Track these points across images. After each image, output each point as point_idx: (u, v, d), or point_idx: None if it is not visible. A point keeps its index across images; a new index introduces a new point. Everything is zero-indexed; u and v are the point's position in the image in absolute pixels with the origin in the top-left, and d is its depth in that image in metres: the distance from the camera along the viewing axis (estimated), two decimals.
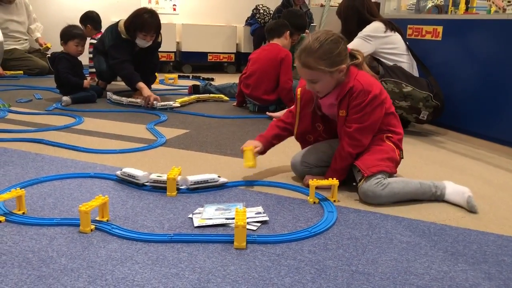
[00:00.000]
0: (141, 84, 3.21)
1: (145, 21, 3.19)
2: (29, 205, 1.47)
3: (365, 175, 1.60)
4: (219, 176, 1.70)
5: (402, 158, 1.76)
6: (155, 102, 3.12)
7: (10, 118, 2.73)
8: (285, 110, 2.94)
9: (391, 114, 1.72)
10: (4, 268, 1.11)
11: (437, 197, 1.65)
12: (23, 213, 1.41)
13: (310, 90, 1.73)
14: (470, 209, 1.58)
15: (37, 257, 1.16)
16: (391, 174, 1.69)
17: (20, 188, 1.46)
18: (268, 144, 1.85)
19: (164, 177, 1.63)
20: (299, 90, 1.80)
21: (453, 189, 1.65)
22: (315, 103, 1.77)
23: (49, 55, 3.39)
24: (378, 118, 1.66)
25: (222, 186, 1.70)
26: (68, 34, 3.25)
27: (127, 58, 3.31)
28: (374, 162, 1.63)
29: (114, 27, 3.36)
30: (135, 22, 3.21)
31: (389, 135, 1.71)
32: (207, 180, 1.67)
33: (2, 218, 1.35)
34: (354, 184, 1.68)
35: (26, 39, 4.65)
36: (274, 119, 1.91)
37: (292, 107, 1.88)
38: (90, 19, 4.25)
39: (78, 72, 3.32)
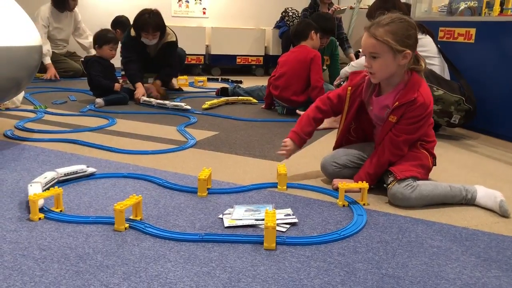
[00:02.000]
0: (138, 84, 3.53)
1: (144, 21, 3.46)
2: (66, 203, 1.53)
3: (397, 178, 1.59)
4: (87, 167, 1.80)
5: (435, 165, 1.74)
6: (142, 97, 3.42)
7: (46, 119, 2.82)
8: None
9: (429, 125, 1.70)
10: (45, 263, 1.15)
11: (468, 201, 1.63)
12: (61, 210, 1.47)
13: (359, 88, 1.75)
14: (503, 214, 1.55)
15: (75, 253, 1.21)
16: (421, 180, 1.67)
17: (58, 187, 1.51)
18: (304, 143, 1.89)
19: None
20: (349, 89, 1.80)
21: (485, 193, 1.62)
22: (367, 100, 1.75)
23: (83, 59, 3.51)
24: (424, 131, 1.66)
25: (92, 175, 1.79)
26: (103, 38, 3.37)
27: (134, 57, 3.59)
28: (408, 167, 1.62)
29: (131, 25, 3.63)
30: (137, 23, 3.50)
31: (422, 142, 1.69)
32: (76, 171, 1.75)
33: (42, 215, 1.41)
34: (384, 185, 1.67)
35: (65, 45, 4.80)
36: (309, 108, 1.91)
37: (331, 92, 1.87)
38: (120, 23, 4.37)
39: (109, 75, 3.42)
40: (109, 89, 3.34)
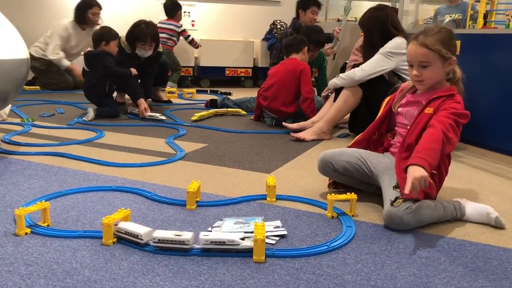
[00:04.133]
0: (140, 101, 3.36)
1: (141, 31, 3.40)
2: (53, 218, 1.51)
3: (404, 196, 1.52)
4: (242, 239, 1.30)
5: (435, 199, 1.67)
6: (147, 113, 3.31)
7: (33, 132, 2.80)
8: (302, 123, 2.99)
9: (447, 156, 1.68)
10: (31, 278, 1.14)
11: (457, 218, 1.61)
12: (48, 225, 1.45)
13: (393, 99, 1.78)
14: (499, 227, 1.55)
15: (62, 269, 1.19)
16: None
17: (45, 201, 1.50)
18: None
19: (182, 236, 1.29)
20: (387, 99, 1.84)
21: (474, 209, 1.61)
22: (395, 104, 1.77)
23: (84, 53, 3.38)
24: (458, 136, 1.58)
25: (245, 252, 1.29)
26: (110, 34, 3.31)
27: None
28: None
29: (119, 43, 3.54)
30: (133, 33, 3.44)
31: (434, 172, 1.62)
32: (224, 242, 1.29)
33: (28, 230, 1.39)
34: (391, 200, 1.54)
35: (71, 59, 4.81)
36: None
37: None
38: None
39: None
40: (128, 77, 3.30)
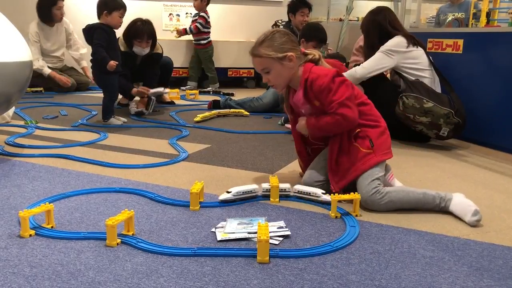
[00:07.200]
0: (134, 90, 3.44)
1: (137, 28, 3.46)
2: (57, 219, 1.51)
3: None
4: (324, 193, 1.70)
5: (373, 146, 1.71)
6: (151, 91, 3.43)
7: (37, 134, 2.81)
8: None
9: (361, 105, 1.75)
10: (35, 280, 1.14)
11: (442, 209, 1.64)
12: (52, 227, 1.45)
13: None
14: (472, 224, 1.54)
15: (66, 270, 1.20)
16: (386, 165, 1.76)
17: (49, 203, 1.50)
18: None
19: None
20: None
21: (459, 202, 1.62)
22: (289, 104, 1.89)
23: (84, 27, 3.04)
24: (350, 94, 1.69)
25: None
26: (113, 3, 2.94)
27: (126, 72, 3.49)
28: (342, 175, 1.71)
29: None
30: (129, 31, 3.49)
31: (358, 130, 1.72)
32: (309, 193, 1.71)
33: (32, 232, 1.40)
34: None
35: (61, 59, 4.78)
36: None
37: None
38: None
39: (112, 48, 2.99)
40: (105, 64, 2.88)
